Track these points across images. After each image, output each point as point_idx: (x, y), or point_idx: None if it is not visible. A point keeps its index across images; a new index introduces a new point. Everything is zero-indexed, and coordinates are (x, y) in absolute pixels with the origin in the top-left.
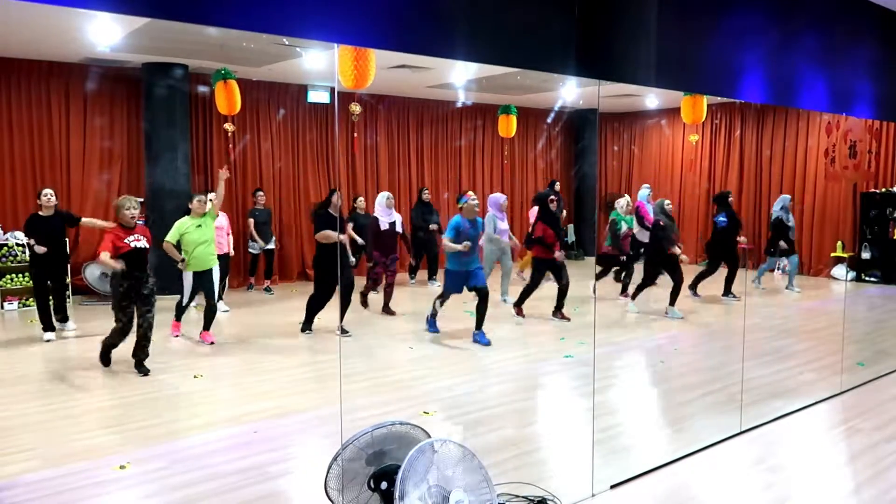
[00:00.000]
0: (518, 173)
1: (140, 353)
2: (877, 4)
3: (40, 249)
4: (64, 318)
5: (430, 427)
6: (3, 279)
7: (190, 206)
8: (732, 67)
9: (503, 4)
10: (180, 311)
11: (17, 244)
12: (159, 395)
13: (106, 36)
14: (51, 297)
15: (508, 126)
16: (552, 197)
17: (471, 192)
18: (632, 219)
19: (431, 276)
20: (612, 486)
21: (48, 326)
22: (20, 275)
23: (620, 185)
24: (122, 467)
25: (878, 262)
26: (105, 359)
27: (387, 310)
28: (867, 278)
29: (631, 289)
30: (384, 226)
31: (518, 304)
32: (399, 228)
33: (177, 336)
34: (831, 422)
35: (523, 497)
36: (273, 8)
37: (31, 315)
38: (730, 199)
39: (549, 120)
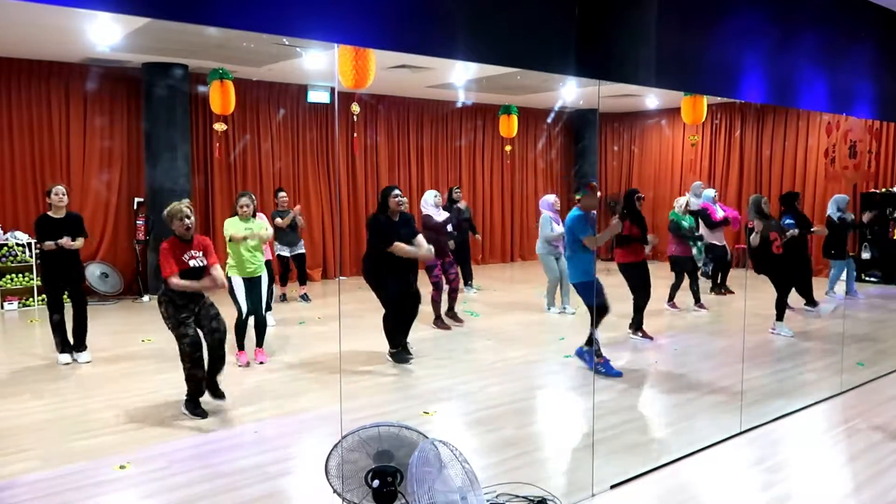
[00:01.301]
0: (518, 173)
1: (214, 370)
2: (877, 4)
3: (49, 245)
4: (80, 345)
5: (431, 427)
6: (3, 279)
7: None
8: (732, 67)
9: (503, 4)
10: (241, 331)
11: (17, 244)
12: (159, 395)
13: (106, 36)
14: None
15: (509, 126)
16: (639, 195)
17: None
18: (691, 219)
19: (467, 280)
20: (612, 486)
21: (64, 347)
22: (20, 275)
23: (620, 185)
24: (122, 467)
25: (878, 262)
26: (193, 405)
27: (452, 314)
28: (867, 278)
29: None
30: (437, 221)
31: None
32: (451, 227)
33: (246, 364)
34: (831, 422)
35: (523, 497)
36: (273, 8)
37: (30, 315)
38: (796, 201)
39: (549, 120)
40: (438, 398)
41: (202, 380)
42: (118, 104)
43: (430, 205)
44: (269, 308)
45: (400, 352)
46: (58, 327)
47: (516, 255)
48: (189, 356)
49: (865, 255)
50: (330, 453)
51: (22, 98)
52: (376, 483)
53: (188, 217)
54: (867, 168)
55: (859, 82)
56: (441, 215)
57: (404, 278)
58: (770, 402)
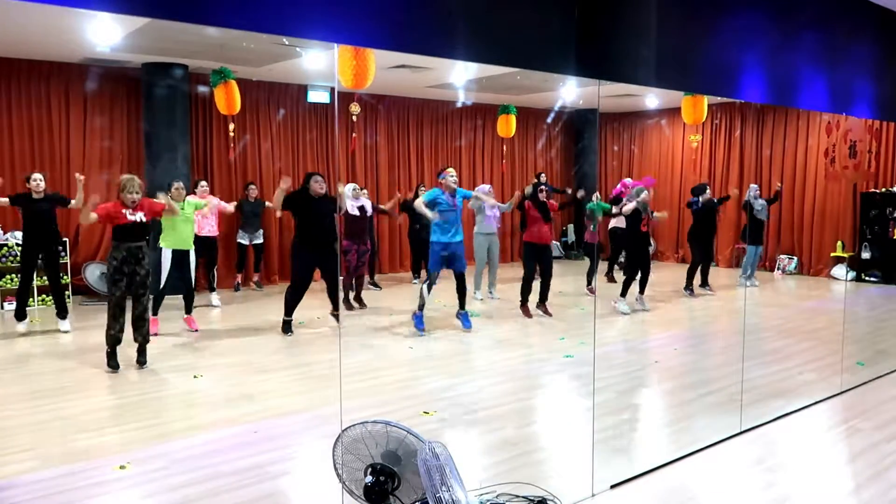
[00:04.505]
0: (518, 173)
1: (137, 334)
2: (877, 4)
3: (3, 202)
4: (61, 312)
5: (430, 427)
6: (3, 279)
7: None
8: (732, 67)
9: (503, 4)
10: (157, 300)
11: (17, 244)
12: (159, 395)
13: (106, 36)
14: (34, 286)
15: (508, 126)
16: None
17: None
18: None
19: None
20: (612, 486)
21: (21, 314)
22: (20, 275)
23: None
24: (122, 467)
25: (878, 262)
26: (111, 360)
27: (358, 300)
28: (867, 278)
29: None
30: (352, 210)
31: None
32: (369, 212)
33: (154, 335)
34: (831, 422)
35: (523, 497)
36: (273, 8)
37: (30, 315)
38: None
39: (549, 120)
40: (438, 398)
41: (115, 336)
42: (118, 104)
43: (348, 196)
44: (213, 288)
45: (287, 323)
46: (22, 292)
47: (515, 256)
48: (111, 315)
49: (865, 255)
50: (336, 440)
51: (22, 98)
52: (369, 479)
53: (136, 193)
54: (867, 168)
55: (859, 82)
56: (358, 202)
57: (306, 260)
58: (770, 402)
